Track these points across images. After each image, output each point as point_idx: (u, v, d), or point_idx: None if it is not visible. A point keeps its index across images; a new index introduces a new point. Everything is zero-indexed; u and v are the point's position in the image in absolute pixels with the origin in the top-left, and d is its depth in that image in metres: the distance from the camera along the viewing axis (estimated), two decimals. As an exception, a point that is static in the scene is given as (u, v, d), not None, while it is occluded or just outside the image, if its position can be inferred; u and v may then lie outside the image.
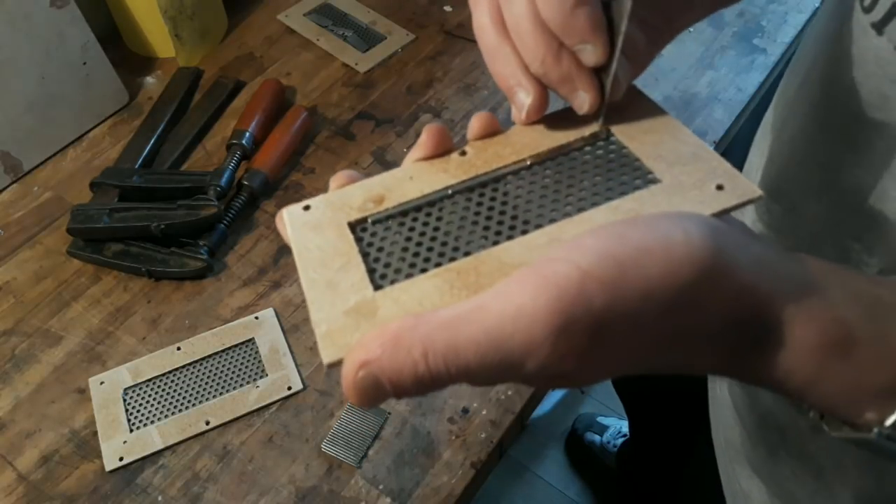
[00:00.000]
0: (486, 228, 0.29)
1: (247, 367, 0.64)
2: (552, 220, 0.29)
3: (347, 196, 0.31)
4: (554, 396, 1.50)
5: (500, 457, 0.63)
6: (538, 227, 0.29)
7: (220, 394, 0.62)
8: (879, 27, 0.34)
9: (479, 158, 0.32)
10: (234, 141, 0.77)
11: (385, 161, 0.79)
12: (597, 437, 1.40)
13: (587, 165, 0.31)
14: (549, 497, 1.42)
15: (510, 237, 0.28)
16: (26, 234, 0.74)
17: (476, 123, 0.32)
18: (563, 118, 0.33)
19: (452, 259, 0.28)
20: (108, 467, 0.59)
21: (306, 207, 0.31)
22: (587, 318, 0.23)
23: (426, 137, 0.32)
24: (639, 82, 0.34)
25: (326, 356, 0.25)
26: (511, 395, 0.62)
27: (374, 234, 0.30)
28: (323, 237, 0.30)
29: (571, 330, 0.23)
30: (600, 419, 1.43)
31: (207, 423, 0.61)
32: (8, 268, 0.71)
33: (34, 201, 0.77)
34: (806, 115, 0.42)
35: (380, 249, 0.29)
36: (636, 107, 0.32)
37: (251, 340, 0.65)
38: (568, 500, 1.41)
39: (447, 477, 0.58)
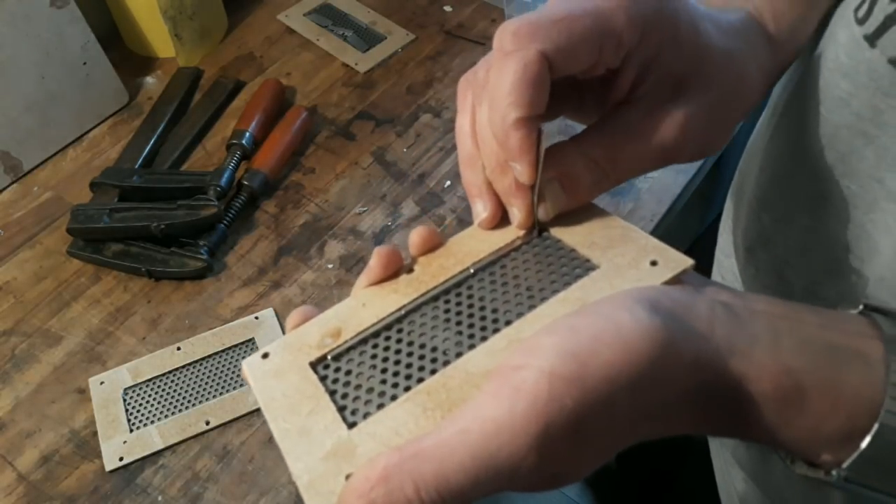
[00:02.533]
0: (446, 340, 0.29)
1: (247, 367, 0.64)
2: (508, 322, 0.29)
3: (304, 335, 0.31)
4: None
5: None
6: (496, 331, 0.29)
7: (220, 394, 0.62)
8: (872, 40, 0.34)
9: (426, 274, 0.32)
10: (234, 141, 0.77)
11: (385, 161, 0.79)
12: (597, 438, 1.40)
13: (528, 263, 0.32)
14: (548, 497, 1.42)
15: (471, 346, 0.28)
16: (26, 234, 0.74)
17: (417, 239, 0.33)
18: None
19: (420, 379, 0.28)
20: (108, 467, 0.59)
21: (265, 355, 0.30)
22: (564, 419, 0.23)
23: (374, 263, 0.32)
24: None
25: None
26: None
27: (337, 370, 0.29)
28: (287, 383, 0.29)
29: (552, 433, 0.23)
30: (600, 419, 1.43)
31: (207, 423, 0.61)
32: (8, 268, 0.71)
33: (34, 201, 0.77)
34: (796, 125, 0.42)
35: (346, 384, 0.29)
36: None
37: (251, 340, 0.65)
38: (568, 500, 1.41)
39: (447, 477, 0.58)
